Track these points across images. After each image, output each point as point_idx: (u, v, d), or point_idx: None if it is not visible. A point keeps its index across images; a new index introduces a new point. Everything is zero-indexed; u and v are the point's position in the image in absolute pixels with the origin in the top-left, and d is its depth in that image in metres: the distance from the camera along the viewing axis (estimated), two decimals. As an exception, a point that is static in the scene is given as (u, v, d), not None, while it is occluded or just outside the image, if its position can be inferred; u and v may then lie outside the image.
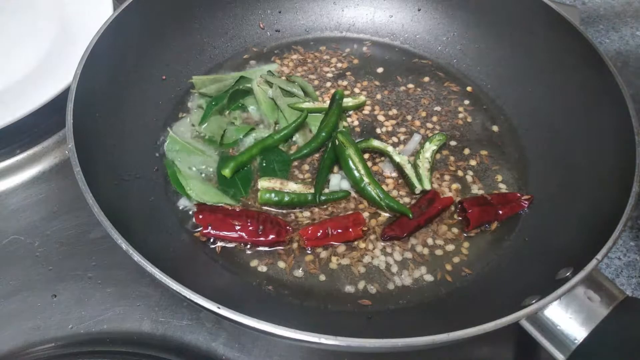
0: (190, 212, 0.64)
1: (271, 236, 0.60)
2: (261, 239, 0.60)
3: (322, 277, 0.60)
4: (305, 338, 0.42)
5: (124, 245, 0.48)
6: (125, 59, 0.69)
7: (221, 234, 0.61)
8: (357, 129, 0.75)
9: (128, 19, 0.68)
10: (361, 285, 0.60)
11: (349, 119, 0.75)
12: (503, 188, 0.69)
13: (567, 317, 0.46)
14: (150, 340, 0.59)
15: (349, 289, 0.59)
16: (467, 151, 0.72)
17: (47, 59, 0.83)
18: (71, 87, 0.59)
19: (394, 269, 0.61)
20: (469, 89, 0.80)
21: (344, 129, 0.73)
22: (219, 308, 0.44)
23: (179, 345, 0.59)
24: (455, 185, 0.68)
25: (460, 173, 0.70)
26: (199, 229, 0.61)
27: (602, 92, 0.63)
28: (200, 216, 0.61)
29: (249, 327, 0.43)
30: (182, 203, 0.65)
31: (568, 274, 0.48)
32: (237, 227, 0.60)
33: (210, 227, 0.60)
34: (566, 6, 0.98)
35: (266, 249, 0.62)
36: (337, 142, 0.67)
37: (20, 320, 0.61)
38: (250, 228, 0.60)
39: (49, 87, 0.74)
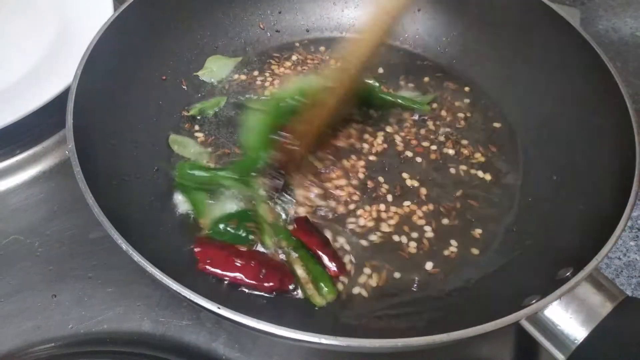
0: (189, 212, 0.63)
1: (271, 283, 0.56)
2: (261, 283, 0.56)
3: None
4: (305, 338, 0.42)
5: (124, 245, 0.48)
6: (125, 59, 0.69)
7: (219, 272, 0.56)
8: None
9: (129, 19, 0.68)
10: (361, 287, 0.59)
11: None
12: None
13: (567, 317, 0.46)
14: (150, 340, 0.59)
15: (348, 290, 0.59)
16: (466, 151, 0.72)
17: (47, 58, 0.83)
18: (71, 87, 0.59)
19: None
20: (468, 89, 0.80)
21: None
22: (219, 308, 0.44)
23: (179, 345, 0.59)
24: (453, 186, 0.69)
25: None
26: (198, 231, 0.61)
27: (602, 92, 0.63)
28: (198, 249, 0.57)
29: (249, 328, 0.43)
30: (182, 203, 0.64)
31: (568, 274, 0.48)
32: (239, 265, 0.56)
33: (209, 262, 0.57)
34: (566, 6, 0.98)
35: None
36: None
37: (20, 320, 0.61)
38: (252, 270, 0.56)
39: (49, 87, 0.73)
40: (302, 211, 0.64)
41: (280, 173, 0.63)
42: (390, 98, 0.76)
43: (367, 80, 0.76)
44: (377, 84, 0.77)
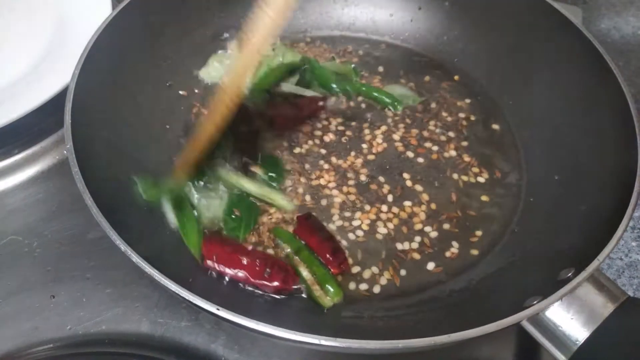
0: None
1: (275, 282, 0.55)
2: (265, 282, 0.56)
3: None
4: (304, 339, 0.42)
5: (122, 246, 0.47)
6: (124, 58, 0.69)
7: (225, 270, 0.56)
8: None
9: (127, 17, 0.68)
10: (361, 287, 0.59)
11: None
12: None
13: (569, 318, 0.46)
14: (149, 341, 0.59)
15: (349, 290, 0.59)
16: (466, 151, 0.72)
17: (45, 58, 0.82)
18: (69, 86, 0.59)
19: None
20: (468, 88, 0.79)
21: None
22: (218, 310, 0.43)
23: (178, 346, 0.58)
24: (454, 187, 0.68)
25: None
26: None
27: (604, 91, 0.63)
28: (207, 246, 0.57)
29: (248, 329, 0.43)
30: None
31: (569, 274, 0.48)
32: (244, 262, 0.56)
33: (215, 258, 0.57)
34: (568, 5, 0.98)
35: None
36: None
37: (18, 321, 0.60)
38: (257, 269, 0.56)
39: (47, 86, 0.73)
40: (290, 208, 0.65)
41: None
42: (364, 89, 0.77)
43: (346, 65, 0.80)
44: (354, 69, 0.79)
